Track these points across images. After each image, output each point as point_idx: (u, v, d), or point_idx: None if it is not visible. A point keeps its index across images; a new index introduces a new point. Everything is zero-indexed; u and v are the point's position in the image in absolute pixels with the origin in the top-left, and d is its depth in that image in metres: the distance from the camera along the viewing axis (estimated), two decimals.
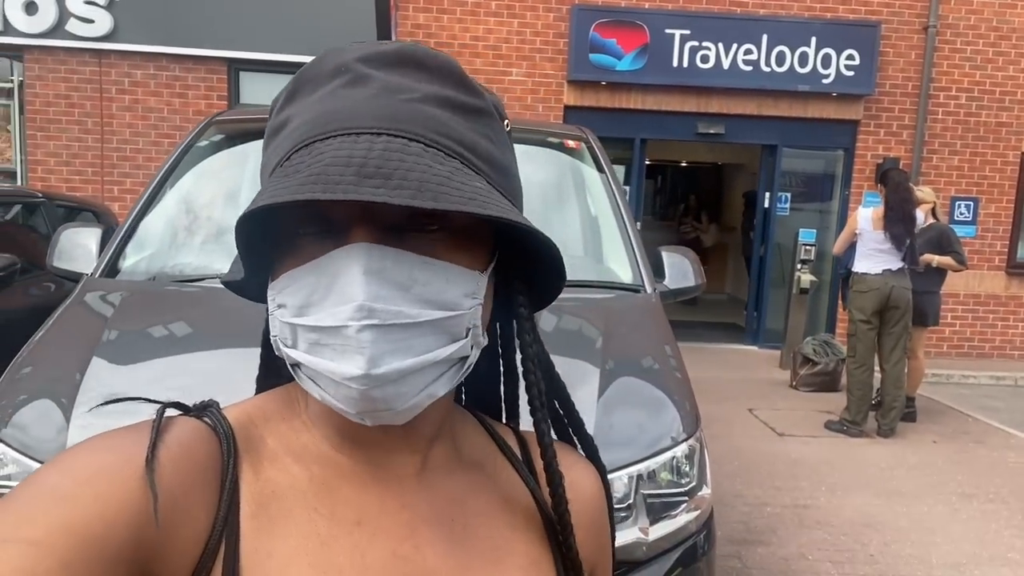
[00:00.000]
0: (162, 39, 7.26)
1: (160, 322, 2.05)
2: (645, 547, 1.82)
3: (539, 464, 0.61)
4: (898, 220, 5.04)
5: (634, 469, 1.85)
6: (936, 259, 5.49)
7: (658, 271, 2.76)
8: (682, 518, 1.92)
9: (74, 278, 2.64)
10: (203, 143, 2.89)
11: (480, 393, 0.70)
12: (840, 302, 5.98)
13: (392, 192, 0.43)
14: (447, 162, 0.49)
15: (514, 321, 0.62)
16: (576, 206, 3.02)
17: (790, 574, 3.35)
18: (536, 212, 2.97)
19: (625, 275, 2.61)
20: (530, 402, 0.60)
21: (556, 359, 0.66)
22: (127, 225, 2.56)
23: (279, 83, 7.62)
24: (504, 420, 0.71)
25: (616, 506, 1.83)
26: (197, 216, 2.71)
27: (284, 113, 0.54)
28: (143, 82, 7.41)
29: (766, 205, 8.41)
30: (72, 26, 7.11)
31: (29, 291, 4.17)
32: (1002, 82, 8.16)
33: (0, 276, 3.62)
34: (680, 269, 2.84)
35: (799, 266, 7.46)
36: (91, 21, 7.11)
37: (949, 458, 5.08)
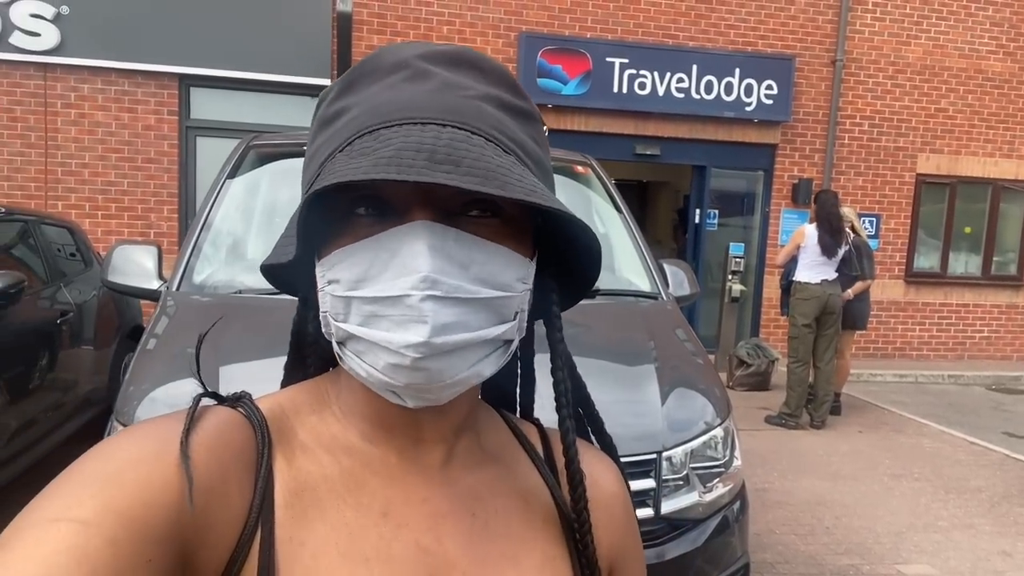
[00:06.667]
0: (111, 54, 7.19)
1: (268, 327, 2.27)
2: (701, 508, 2.20)
3: (560, 462, 0.62)
4: (826, 231, 5.73)
5: (688, 447, 2.23)
6: (850, 292, 6.00)
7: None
8: (721, 487, 2.32)
9: (129, 292, 2.80)
10: (246, 164, 3.09)
11: (492, 388, 0.69)
12: (780, 308, 6.57)
13: (463, 178, 0.45)
14: (505, 156, 0.51)
15: (543, 319, 0.62)
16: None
17: (764, 547, 3.82)
18: None
19: (643, 284, 2.99)
20: (556, 399, 0.61)
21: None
22: (193, 243, 2.75)
23: (232, 99, 7.67)
24: (519, 416, 0.72)
25: (672, 476, 2.20)
26: (256, 235, 2.92)
27: (339, 103, 0.55)
28: (90, 96, 7.31)
29: (696, 221, 9.07)
30: (16, 39, 6.96)
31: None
32: (899, 111, 9.14)
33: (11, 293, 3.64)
34: (678, 279, 3.25)
35: (730, 277, 8.11)
36: (37, 35, 6.98)
37: (874, 445, 5.75)
